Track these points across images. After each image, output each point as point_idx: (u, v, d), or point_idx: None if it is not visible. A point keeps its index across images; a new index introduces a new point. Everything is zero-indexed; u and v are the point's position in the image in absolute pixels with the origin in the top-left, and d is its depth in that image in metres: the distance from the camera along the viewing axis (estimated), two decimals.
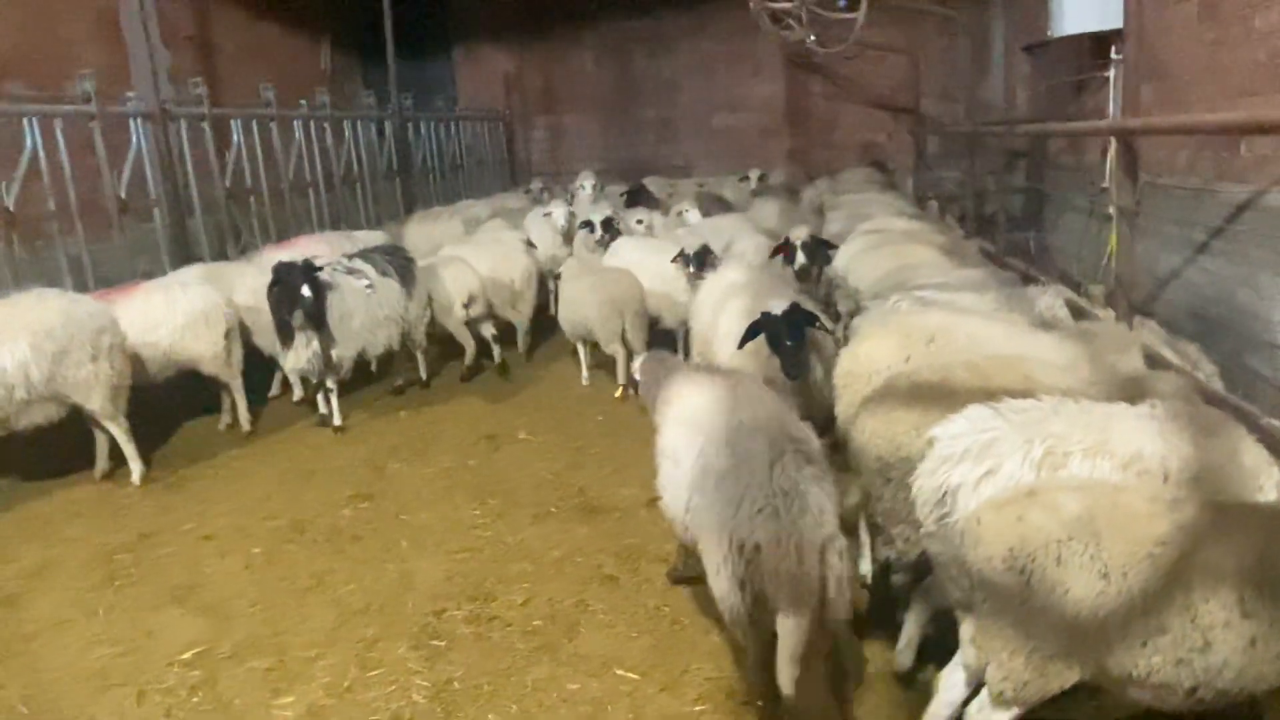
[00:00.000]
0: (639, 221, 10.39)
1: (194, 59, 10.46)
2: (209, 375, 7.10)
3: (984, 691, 2.86)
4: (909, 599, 3.79)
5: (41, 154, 7.13)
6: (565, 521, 5.49)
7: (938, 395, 3.50)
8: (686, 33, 16.05)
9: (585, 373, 8.39)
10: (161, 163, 8.24)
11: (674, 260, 7.87)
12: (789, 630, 3.06)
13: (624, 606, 4.50)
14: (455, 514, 5.63)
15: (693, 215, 10.48)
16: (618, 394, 7.60)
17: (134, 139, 8.08)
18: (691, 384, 3.88)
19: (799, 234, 7.32)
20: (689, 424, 3.65)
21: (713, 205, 12.45)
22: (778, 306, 4.94)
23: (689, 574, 4.39)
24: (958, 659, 3.07)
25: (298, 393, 7.98)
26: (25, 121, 7.05)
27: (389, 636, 4.33)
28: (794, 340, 4.87)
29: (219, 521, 5.66)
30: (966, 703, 3.01)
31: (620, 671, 3.96)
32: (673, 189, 13.79)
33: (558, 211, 11.14)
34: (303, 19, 13.67)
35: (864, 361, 4.08)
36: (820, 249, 7.34)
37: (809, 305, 5.13)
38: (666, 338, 8.21)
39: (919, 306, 4.71)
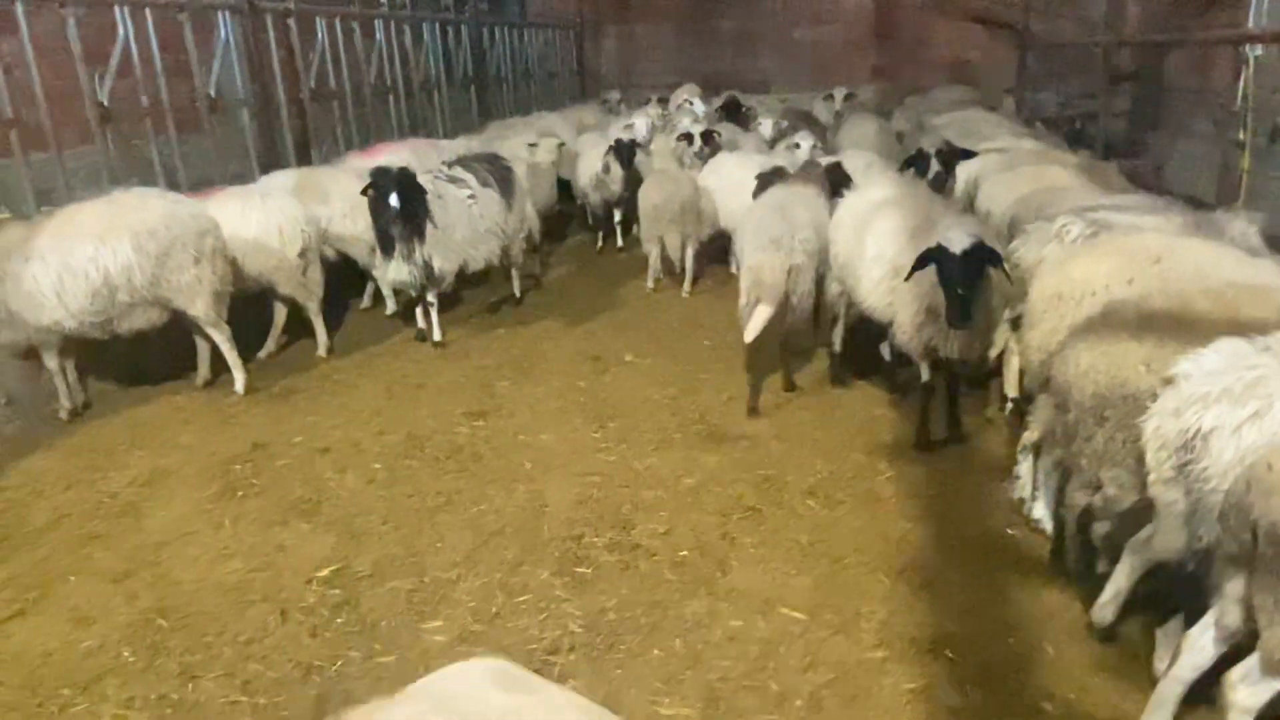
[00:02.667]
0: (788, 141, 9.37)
1: None
2: (285, 295, 6.68)
3: (1253, 658, 2.57)
4: (1110, 549, 3.50)
5: (133, 46, 6.80)
6: (690, 449, 5.23)
7: (1176, 327, 3.12)
8: None
9: (687, 286, 8.32)
10: (249, 60, 7.87)
11: None
12: (760, 311, 5.40)
13: (773, 541, 4.26)
14: (575, 436, 5.39)
15: (805, 142, 9.04)
16: (685, 292, 8.32)
17: (222, 32, 7.70)
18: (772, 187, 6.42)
19: (932, 142, 6.83)
20: (752, 205, 6.31)
21: (800, 122, 11.84)
22: (957, 241, 4.32)
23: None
24: (1209, 619, 2.78)
25: (390, 306, 7.76)
26: (117, 11, 6.69)
27: (530, 561, 4.13)
28: (974, 287, 4.35)
29: (332, 434, 5.48)
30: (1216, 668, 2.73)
31: (785, 610, 3.73)
32: (752, 107, 13.11)
33: (640, 123, 10.91)
34: None
35: (1078, 283, 3.64)
36: (957, 157, 6.83)
37: (989, 238, 4.52)
38: None
39: (1107, 230, 4.27)
